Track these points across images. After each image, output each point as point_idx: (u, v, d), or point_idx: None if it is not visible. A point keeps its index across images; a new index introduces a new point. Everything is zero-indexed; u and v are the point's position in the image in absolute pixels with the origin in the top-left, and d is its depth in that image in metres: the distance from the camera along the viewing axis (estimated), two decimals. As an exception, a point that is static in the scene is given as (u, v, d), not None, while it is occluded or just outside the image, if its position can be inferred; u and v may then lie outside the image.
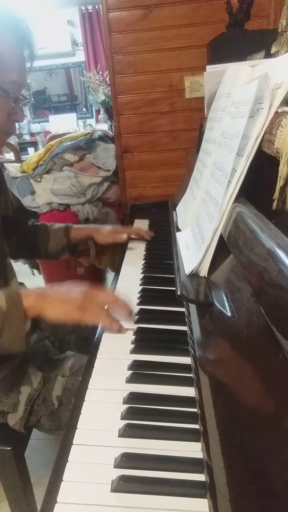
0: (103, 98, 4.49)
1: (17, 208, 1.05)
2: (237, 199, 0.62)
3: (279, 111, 0.55)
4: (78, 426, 0.52)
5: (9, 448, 0.79)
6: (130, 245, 1.15)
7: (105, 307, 0.70)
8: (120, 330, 0.70)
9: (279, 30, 0.77)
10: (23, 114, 0.80)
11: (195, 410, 0.54)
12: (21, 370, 0.80)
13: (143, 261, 1.04)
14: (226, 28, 1.25)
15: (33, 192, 1.93)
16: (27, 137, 5.39)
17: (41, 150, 2.00)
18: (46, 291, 0.71)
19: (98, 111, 4.95)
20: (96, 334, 0.73)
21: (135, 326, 0.73)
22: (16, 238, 0.99)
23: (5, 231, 0.90)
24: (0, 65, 0.71)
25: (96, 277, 2.10)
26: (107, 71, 2.23)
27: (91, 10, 4.95)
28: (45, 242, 1.10)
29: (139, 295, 0.85)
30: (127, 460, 0.47)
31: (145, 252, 1.10)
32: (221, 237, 0.64)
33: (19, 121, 0.80)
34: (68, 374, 0.79)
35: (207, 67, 1.00)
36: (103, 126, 4.46)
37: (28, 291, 0.70)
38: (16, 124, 0.82)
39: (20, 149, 4.02)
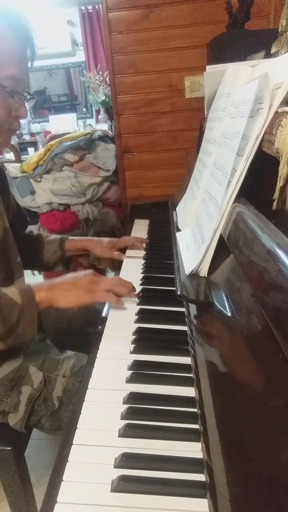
0: (103, 98, 4.49)
1: (17, 215, 1.04)
2: (237, 199, 0.62)
3: (279, 111, 0.55)
4: (78, 426, 0.52)
5: (9, 448, 0.79)
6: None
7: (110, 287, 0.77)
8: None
9: (279, 30, 0.77)
10: (25, 110, 0.79)
11: (195, 410, 0.54)
12: (22, 370, 0.80)
13: (143, 261, 1.04)
14: (226, 28, 1.25)
15: (33, 192, 1.93)
16: (27, 137, 5.39)
17: (41, 150, 2.00)
18: (55, 283, 0.76)
19: (98, 111, 4.95)
20: (96, 334, 0.73)
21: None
22: None
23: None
24: None
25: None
26: (107, 71, 2.24)
27: (91, 10, 4.95)
28: (40, 252, 1.09)
29: (139, 295, 0.85)
30: (127, 460, 0.47)
31: (145, 252, 1.10)
32: (221, 237, 0.64)
33: (21, 117, 0.79)
34: (69, 375, 0.79)
35: (207, 67, 1.00)
36: (103, 126, 4.45)
37: (38, 285, 0.75)
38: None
39: (20, 149, 4.02)
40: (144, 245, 1.14)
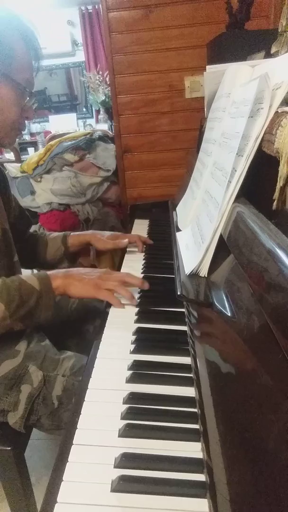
0: (103, 98, 4.49)
1: (18, 216, 1.05)
2: (237, 199, 0.62)
3: (279, 111, 0.55)
4: (78, 426, 0.52)
5: (9, 448, 0.79)
6: (129, 245, 1.15)
7: (117, 285, 0.80)
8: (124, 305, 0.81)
9: (279, 30, 0.77)
10: (33, 112, 0.87)
11: (195, 410, 0.54)
12: (22, 369, 0.80)
13: (143, 261, 1.04)
14: (226, 28, 1.25)
15: (33, 192, 1.93)
16: (27, 137, 5.39)
17: (41, 150, 2.00)
18: (69, 272, 0.82)
19: (98, 111, 4.94)
20: (96, 334, 0.73)
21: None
22: (16, 246, 0.98)
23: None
24: (15, 63, 0.78)
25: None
26: (107, 71, 2.23)
27: (91, 10, 4.95)
28: (43, 250, 1.11)
29: (139, 295, 0.85)
30: (127, 460, 0.47)
31: (145, 252, 1.10)
32: (221, 237, 0.64)
33: (29, 118, 0.87)
34: (68, 374, 0.79)
35: (207, 67, 1.00)
36: (103, 126, 4.45)
37: (55, 272, 0.80)
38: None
39: (20, 149, 4.02)
40: (144, 247, 1.13)
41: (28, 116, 0.86)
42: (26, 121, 0.88)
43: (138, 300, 0.83)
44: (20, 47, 0.79)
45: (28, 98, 0.82)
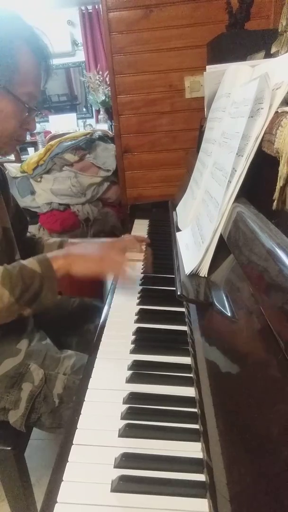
0: (103, 98, 4.49)
1: (15, 216, 1.02)
2: (237, 199, 0.62)
3: (279, 111, 0.55)
4: (78, 426, 0.52)
5: (9, 448, 0.79)
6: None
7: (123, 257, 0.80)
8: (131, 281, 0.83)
9: (279, 30, 0.77)
10: (35, 124, 0.84)
11: (195, 410, 0.54)
12: (23, 367, 0.80)
13: (143, 261, 1.04)
14: (226, 28, 1.25)
15: (33, 192, 1.93)
16: (27, 137, 5.38)
17: (41, 150, 2.00)
18: (70, 251, 0.81)
19: (98, 111, 4.94)
20: (96, 334, 0.73)
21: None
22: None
23: None
24: (18, 77, 0.74)
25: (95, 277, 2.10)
26: (107, 71, 2.23)
27: (91, 10, 4.94)
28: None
29: (139, 295, 0.85)
30: (127, 460, 0.47)
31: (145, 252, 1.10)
32: (221, 237, 0.64)
33: (31, 130, 0.84)
34: (69, 372, 0.79)
35: (207, 67, 1.00)
36: (103, 126, 4.45)
37: (55, 253, 0.79)
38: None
39: (20, 149, 4.02)
40: (144, 247, 1.12)
41: (29, 128, 0.83)
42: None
43: (138, 300, 0.83)
44: (26, 58, 0.74)
45: (27, 113, 0.79)
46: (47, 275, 0.75)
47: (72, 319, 1.06)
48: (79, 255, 0.79)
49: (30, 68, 0.76)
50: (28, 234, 1.12)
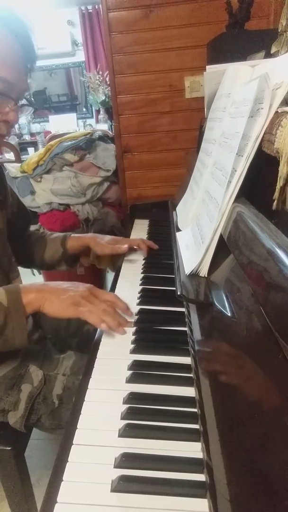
0: (103, 98, 4.49)
1: (17, 214, 1.02)
2: (237, 199, 0.62)
3: (279, 111, 0.55)
4: (78, 426, 0.52)
5: (9, 448, 0.79)
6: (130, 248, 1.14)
7: (103, 307, 0.70)
8: (116, 330, 0.70)
9: (279, 30, 0.77)
10: (16, 116, 0.74)
11: (195, 410, 0.54)
12: (22, 368, 0.80)
13: (143, 261, 1.04)
14: (226, 28, 1.25)
15: (33, 192, 1.93)
16: (27, 137, 5.39)
17: (41, 150, 2.00)
18: (47, 286, 0.71)
19: (98, 111, 4.95)
20: (96, 334, 0.73)
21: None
22: (13, 244, 0.95)
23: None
24: None
25: (96, 277, 2.10)
26: (107, 71, 2.23)
27: (91, 10, 4.95)
28: (41, 250, 1.07)
29: (139, 295, 0.85)
30: (127, 460, 0.47)
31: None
32: (221, 237, 0.64)
33: (11, 122, 0.75)
34: (68, 373, 0.79)
35: (207, 67, 1.00)
36: (103, 126, 4.46)
37: (28, 286, 0.70)
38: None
39: (20, 149, 4.02)
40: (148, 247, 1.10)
41: (8, 119, 0.73)
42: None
43: (138, 300, 0.83)
44: (2, 42, 0.68)
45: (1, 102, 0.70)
46: (13, 310, 0.66)
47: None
48: (56, 293, 0.69)
49: (6, 52, 0.69)
50: (31, 229, 1.11)
